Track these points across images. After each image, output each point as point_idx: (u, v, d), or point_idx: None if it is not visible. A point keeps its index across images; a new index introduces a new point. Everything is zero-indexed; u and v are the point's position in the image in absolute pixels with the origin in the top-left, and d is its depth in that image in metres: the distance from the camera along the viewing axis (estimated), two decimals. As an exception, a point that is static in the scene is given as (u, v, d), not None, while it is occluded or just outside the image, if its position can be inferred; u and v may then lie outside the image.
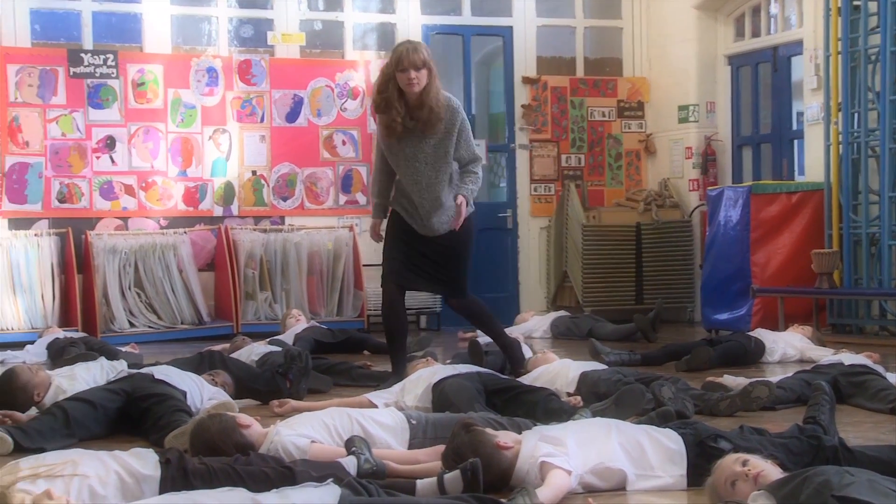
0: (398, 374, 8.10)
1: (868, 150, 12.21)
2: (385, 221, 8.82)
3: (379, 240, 8.92)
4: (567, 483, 4.80)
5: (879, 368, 7.97)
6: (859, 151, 12.29)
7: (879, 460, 4.90)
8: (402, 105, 8.19)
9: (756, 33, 14.70)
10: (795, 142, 14.11)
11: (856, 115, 12.29)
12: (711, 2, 14.77)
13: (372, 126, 14.50)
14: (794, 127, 14.12)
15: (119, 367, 7.84)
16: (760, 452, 4.68)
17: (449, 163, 8.44)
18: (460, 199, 8.42)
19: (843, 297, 12.42)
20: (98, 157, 13.57)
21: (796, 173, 14.06)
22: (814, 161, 13.24)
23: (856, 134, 12.29)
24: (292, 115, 14.36)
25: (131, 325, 13.03)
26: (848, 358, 8.29)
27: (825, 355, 8.97)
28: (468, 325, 12.49)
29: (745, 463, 4.42)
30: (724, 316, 12.66)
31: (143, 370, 7.38)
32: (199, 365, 8.04)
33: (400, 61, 8.07)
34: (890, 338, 11.85)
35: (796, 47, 13.65)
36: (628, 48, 15.75)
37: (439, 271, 8.66)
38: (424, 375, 7.16)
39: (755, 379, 7.61)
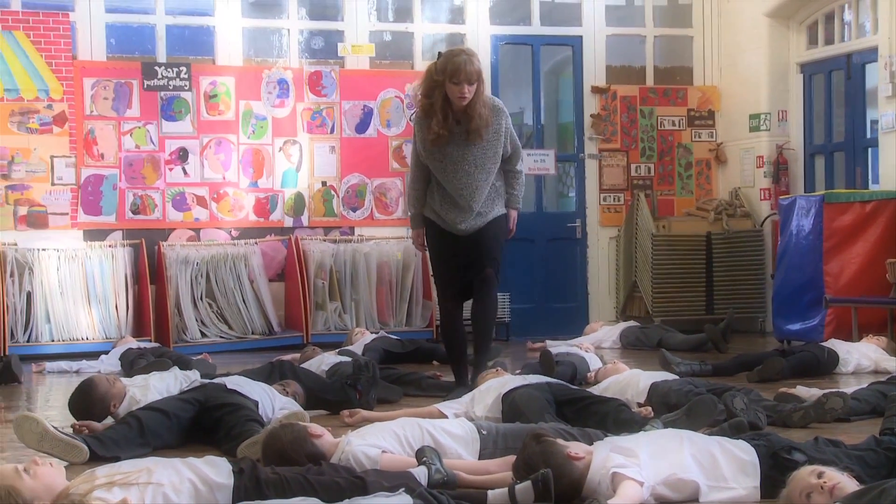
0: (463, 384, 8.23)
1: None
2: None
3: (423, 249, 9.01)
4: (639, 494, 4.77)
5: None
6: (935, 159, 12.18)
7: None
8: (445, 113, 8.15)
9: (829, 41, 14.55)
10: (870, 150, 13.94)
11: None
12: (783, 9, 14.68)
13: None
14: (869, 135, 13.95)
15: (192, 377, 7.89)
16: (836, 464, 4.65)
17: (497, 164, 8.46)
18: (514, 214, 8.73)
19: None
20: (171, 169, 13.66)
21: (870, 182, 13.91)
22: (889, 169, 13.12)
23: (932, 141, 12.17)
24: (362, 126, 14.39)
25: (203, 335, 13.09)
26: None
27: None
28: (537, 336, 12.50)
29: (820, 475, 4.38)
30: (796, 326, 12.54)
31: (216, 380, 7.42)
32: (270, 375, 8.08)
33: (456, 73, 7.98)
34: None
35: (871, 54, 13.50)
36: (699, 57, 15.66)
37: (474, 259, 8.57)
38: (494, 386, 7.14)
39: (829, 390, 7.56)
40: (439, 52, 8.43)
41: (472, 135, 8.19)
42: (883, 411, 7.15)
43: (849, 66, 14.17)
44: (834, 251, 12.37)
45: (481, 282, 8.52)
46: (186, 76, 13.73)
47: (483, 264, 8.50)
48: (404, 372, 9.35)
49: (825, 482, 4.31)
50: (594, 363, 9.28)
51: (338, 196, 14.29)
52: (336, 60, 14.48)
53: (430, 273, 13.64)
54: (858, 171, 14.07)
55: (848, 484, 4.32)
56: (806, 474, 4.44)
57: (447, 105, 8.13)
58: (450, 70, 7.99)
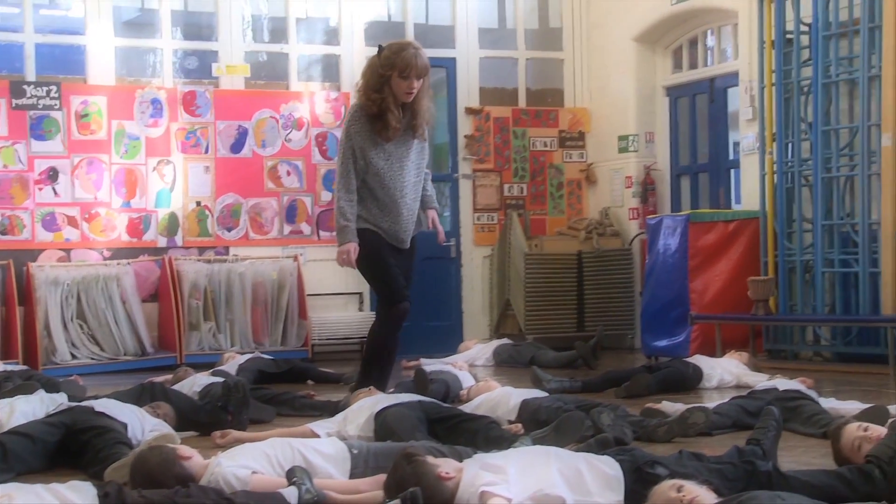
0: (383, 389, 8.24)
1: (801, 180, 12.34)
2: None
3: (353, 265, 8.46)
4: None
5: (812, 394, 8.05)
6: (793, 181, 12.43)
7: (811, 485, 4.94)
8: (398, 108, 7.93)
9: (693, 65, 14.85)
10: (732, 171, 14.22)
11: (789, 145, 12.45)
12: (650, 34, 14.89)
13: (317, 157, 14.51)
14: (731, 157, 14.24)
15: (59, 400, 7.72)
16: (696, 478, 4.69)
17: (425, 166, 8.47)
18: (433, 213, 8.69)
19: (779, 323, 12.55)
20: (41, 189, 13.41)
21: (733, 202, 14.18)
22: (750, 190, 13.38)
23: (789, 163, 12.44)
24: (237, 146, 14.30)
25: (73, 356, 12.85)
26: (782, 383, 8.38)
27: (760, 381, 9.05)
28: (412, 354, 12.51)
29: (679, 489, 4.43)
30: (663, 342, 12.71)
31: (84, 403, 7.30)
32: (141, 397, 7.95)
33: (407, 69, 7.77)
34: (823, 363, 12.01)
35: (732, 79, 13.76)
36: (569, 79, 15.82)
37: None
38: (367, 405, 7.13)
39: (692, 405, 7.68)
40: (380, 46, 8.18)
41: (417, 130, 8.14)
42: (743, 426, 7.34)
43: (712, 89, 14.45)
44: (699, 269, 12.59)
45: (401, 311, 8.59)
46: (56, 95, 13.51)
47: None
48: (278, 392, 9.23)
49: (683, 496, 4.36)
50: (467, 381, 9.29)
51: (212, 216, 14.18)
52: (210, 80, 14.39)
53: (307, 293, 13.79)
54: (721, 192, 14.34)
55: (706, 497, 4.37)
56: (666, 488, 4.49)
57: (396, 100, 7.92)
58: (399, 64, 7.79)
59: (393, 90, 7.82)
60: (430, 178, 8.76)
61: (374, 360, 8.64)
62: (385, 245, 8.37)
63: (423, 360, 10.71)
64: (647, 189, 14.83)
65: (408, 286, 8.62)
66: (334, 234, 8.53)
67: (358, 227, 8.22)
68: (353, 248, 8.23)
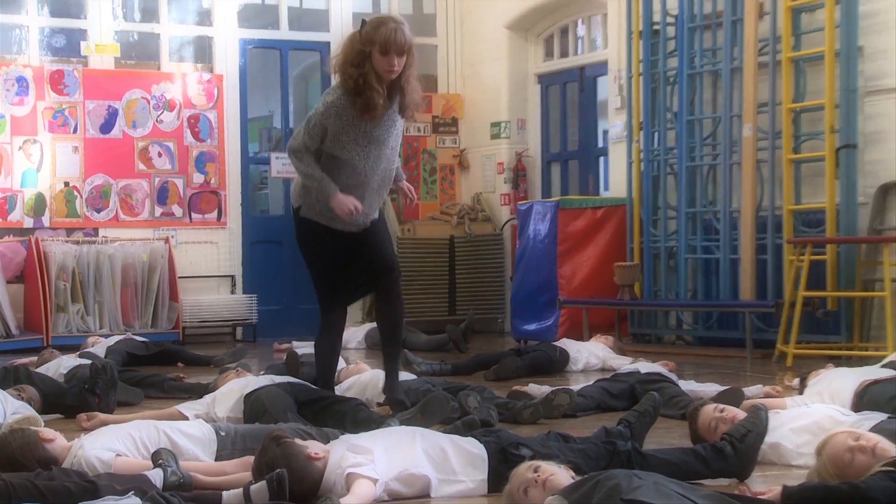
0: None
1: (667, 168, 12.61)
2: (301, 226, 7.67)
3: (358, 210, 7.22)
4: (372, 492, 4.84)
5: (673, 376, 8.14)
6: (659, 169, 12.69)
7: (669, 462, 5.06)
8: (381, 85, 7.07)
9: (564, 54, 15.02)
10: (601, 159, 14.43)
11: (656, 134, 12.70)
12: (522, 22, 15.01)
13: (189, 139, 14.45)
14: (600, 144, 14.44)
15: (-83, 382, 7.64)
16: (557, 458, 4.80)
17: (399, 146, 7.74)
18: (405, 183, 7.99)
19: (643, 308, 12.81)
20: None
21: (602, 189, 14.38)
22: (617, 178, 13.60)
23: (656, 152, 12.70)
24: (107, 127, 14.20)
25: (-64, 334, 12.79)
26: (645, 367, 8.47)
27: (624, 364, 9.18)
28: (284, 337, 12.54)
29: (536, 469, 4.50)
30: (532, 326, 12.88)
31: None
32: (4, 379, 7.89)
33: (386, 45, 6.94)
34: (685, 347, 12.28)
35: (602, 68, 13.97)
36: (443, 65, 15.92)
37: (369, 258, 7.59)
38: (236, 387, 7.11)
39: (557, 388, 7.73)
40: (363, 20, 7.32)
41: (406, 111, 7.41)
42: (607, 407, 7.48)
43: (582, 78, 14.62)
44: (567, 255, 12.78)
45: (391, 282, 7.75)
46: (-85, 74, 13.41)
47: (385, 263, 7.68)
48: (147, 374, 9.17)
49: (539, 475, 4.43)
50: (339, 364, 9.35)
51: (81, 197, 14.06)
52: (79, 59, 14.26)
53: (178, 275, 13.75)
54: (591, 179, 14.54)
55: (562, 477, 4.45)
56: (524, 469, 4.55)
57: (379, 77, 7.06)
58: (378, 40, 6.97)
59: (375, 67, 7.01)
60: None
61: (323, 359, 7.79)
62: (333, 237, 7.45)
63: (295, 343, 10.74)
64: (518, 175, 14.97)
65: (385, 261, 7.69)
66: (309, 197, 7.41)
67: (305, 216, 7.51)
68: (339, 196, 7.19)
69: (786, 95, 11.40)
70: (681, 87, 12.38)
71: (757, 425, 5.28)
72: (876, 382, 6.66)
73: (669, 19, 12.57)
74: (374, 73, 7.00)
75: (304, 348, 10.04)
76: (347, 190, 7.21)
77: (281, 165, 15.10)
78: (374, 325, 12.91)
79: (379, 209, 7.73)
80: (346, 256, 7.52)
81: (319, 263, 7.61)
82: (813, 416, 5.91)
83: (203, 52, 14.97)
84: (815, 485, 4.79)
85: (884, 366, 7.50)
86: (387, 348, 7.82)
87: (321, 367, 7.72)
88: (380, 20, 7.21)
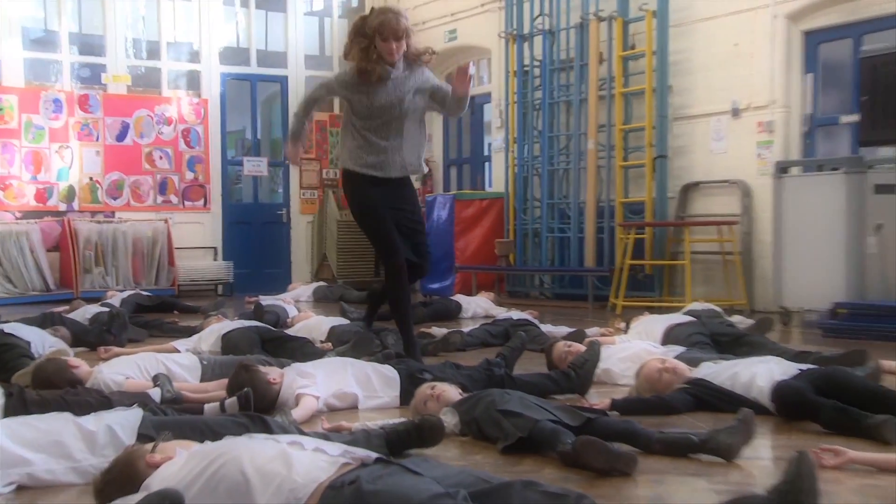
0: (412, 351, 6.43)
1: (533, 171, 12.69)
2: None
3: (298, 162, 6.73)
4: (314, 405, 4.85)
5: (536, 321, 8.25)
6: (528, 171, 12.74)
7: (531, 383, 5.11)
8: (382, 65, 6.21)
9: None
10: (486, 163, 14.47)
11: (525, 146, 12.73)
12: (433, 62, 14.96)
13: (182, 146, 14.35)
14: (486, 153, 14.47)
15: (-28, 324, 7.57)
16: (450, 381, 4.83)
17: (431, 87, 6.52)
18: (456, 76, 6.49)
19: (516, 272, 12.90)
20: (-36, 164, 13.14)
21: (486, 185, 14.42)
22: (498, 177, 13.65)
23: (525, 159, 12.74)
24: (121, 136, 14.01)
25: (-8, 289, 12.67)
26: (516, 314, 8.57)
27: (501, 312, 9.23)
28: (253, 293, 12.46)
29: (433, 388, 4.56)
30: (435, 285, 12.87)
31: (-5, 326, 7.15)
32: (44, 322, 7.82)
33: (382, 29, 6.19)
34: (545, 300, 12.33)
35: (487, 98, 14.01)
36: (370, 93, 15.82)
37: (407, 239, 6.57)
38: (216, 329, 7.08)
39: (452, 329, 7.86)
40: (373, 8, 6.63)
41: (416, 58, 6.36)
42: (489, 344, 7.51)
43: (472, 105, 14.46)
44: (461, 234, 12.85)
45: (420, 271, 6.73)
46: (-23, 95, 13.21)
47: (421, 254, 6.64)
48: (150, 319, 9.15)
49: (435, 392, 4.49)
50: (292, 312, 9.29)
51: (102, 188, 13.90)
52: (100, 86, 14.06)
53: (175, 247, 13.64)
54: (479, 178, 14.59)
55: (453, 394, 4.50)
56: (425, 388, 4.62)
57: (383, 59, 6.23)
58: (379, 28, 6.21)
59: (378, 52, 6.22)
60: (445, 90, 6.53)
61: (396, 318, 6.71)
62: (375, 193, 6.40)
63: (261, 297, 10.69)
64: (426, 175, 14.95)
65: (420, 249, 6.66)
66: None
67: (347, 167, 6.46)
68: (294, 150, 6.77)
69: (618, 119, 11.52)
70: (544, 113, 12.46)
71: (593, 356, 5.36)
72: (678, 325, 6.78)
73: (536, 63, 12.65)
74: (379, 56, 6.19)
75: (267, 300, 10.02)
76: (386, 142, 6.36)
77: (251, 166, 15.05)
78: (320, 283, 12.98)
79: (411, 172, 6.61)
80: (393, 211, 6.42)
81: (370, 213, 6.45)
82: (634, 349, 6.03)
83: (193, 82, 14.80)
84: (634, 398, 4.90)
85: (684, 313, 7.63)
86: (394, 316, 6.74)
87: (397, 315, 6.63)
88: (381, 9, 6.43)
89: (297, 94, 15.23)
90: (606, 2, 11.71)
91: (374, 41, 6.24)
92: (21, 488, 3.53)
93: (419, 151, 6.64)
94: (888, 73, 8.80)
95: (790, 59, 10.37)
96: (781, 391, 4.51)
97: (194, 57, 14.85)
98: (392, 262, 6.49)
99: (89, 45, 14.30)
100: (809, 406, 4.36)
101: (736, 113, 10.69)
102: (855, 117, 9.55)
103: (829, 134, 10.36)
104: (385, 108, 6.34)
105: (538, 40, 12.55)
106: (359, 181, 6.46)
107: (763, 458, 3.91)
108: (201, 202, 14.60)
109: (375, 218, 6.47)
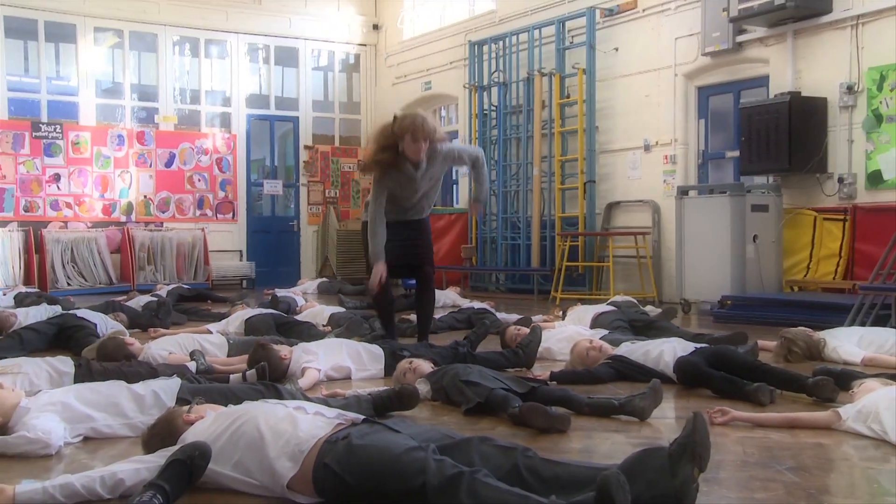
0: (392, 337, 6.01)
1: (491, 192, 12.56)
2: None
3: (378, 287, 5.79)
4: (316, 376, 4.82)
5: (493, 310, 8.19)
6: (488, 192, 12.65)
7: (488, 360, 5.08)
8: (407, 163, 5.60)
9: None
10: (454, 185, 14.41)
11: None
12: (409, 107, 14.86)
13: (216, 171, 14.26)
14: (454, 178, 14.40)
15: (56, 309, 7.54)
16: (424, 357, 4.80)
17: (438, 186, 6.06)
18: (477, 206, 6.44)
19: (477, 271, 12.82)
20: (49, 185, 12.93)
21: (455, 203, 14.38)
22: (463, 196, 13.62)
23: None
24: (169, 163, 13.90)
25: (68, 284, 12.48)
26: (477, 304, 8.55)
27: (465, 303, 9.22)
28: (270, 286, 12.39)
29: (410, 362, 4.54)
30: (413, 281, 12.61)
31: (70, 311, 7.11)
32: (106, 308, 7.80)
33: (416, 131, 5.48)
34: (500, 293, 12.27)
35: (455, 135, 13.88)
36: (364, 131, 15.71)
37: (412, 256, 6.02)
38: (240, 315, 7.05)
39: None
40: (395, 116, 5.76)
41: (432, 161, 5.72)
42: (455, 328, 7.46)
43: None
44: (434, 240, 11.98)
45: (426, 274, 6.19)
46: (60, 132, 13.00)
47: (422, 259, 6.13)
48: (189, 306, 9.11)
49: (411, 366, 4.47)
50: (300, 302, 9.24)
51: (153, 204, 13.77)
52: (153, 125, 13.92)
53: (210, 250, 13.49)
54: (449, 197, 14.53)
55: (426, 367, 4.48)
56: (404, 363, 4.59)
57: (398, 156, 5.60)
58: (411, 128, 5.51)
59: (406, 151, 5.55)
60: (483, 170, 6.03)
61: (380, 318, 6.23)
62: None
63: (276, 290, 10.62)
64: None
65: (420, 258, 6.08)
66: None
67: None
68: (379, 266, 5.73)
69: (557, 152, 11.52)
70: (499, 146, 12.45)
71: (535, 338, 5.33)
72: (603, 313, 6.78)
73: (493, 108, 12.64)
74: (404, 155, 5.57)
75: (282, 292, 9.97)
76: (402, 207, 5.83)
77: (270, 187, 15.01)
78: (323, 279, 12.90)
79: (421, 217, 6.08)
80: (400, 242, 5.87)
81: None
82: (568, 332, 6.02)
83: (225, 121, 14.69)
84: (569, 371, 4.87)
85: (608, 304, 7.61)
86: (421, 319, 6.18)
87: (382, 318, 6.17)
88: (411, 115, 5.67)
89: (306, 131, 15.23)
90: (547, 61, 11.72)
91: (399, 143, 5.54)
92: (87, 439, 3.54)
93: (431, 203, 6.05)
94: (760, 120, 8.84)
95: (687, 108, 10.40)
96: (681, 365, 4.51)
97: (226, 102, 14.74)
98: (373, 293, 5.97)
99: (146, 93, 14.18)
100: (703, 376, 4.38)
101: (647, 148, 10.71)
102: (736, 153, 9.59)
103: (717, 165, 10.39)
104: (406, 197, 5.81)
105: (495, 90, 12.53)
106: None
107: (668, 418, 3.91)
108: (230, 215, 14.49)
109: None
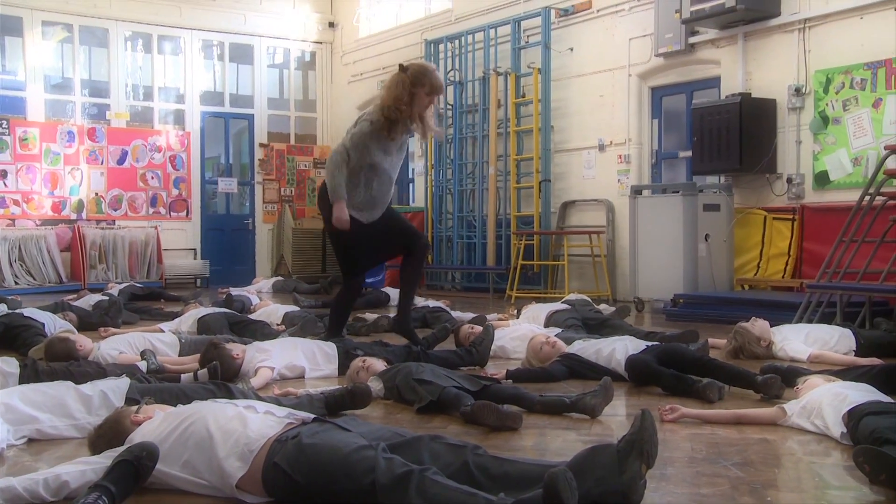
0: (339, 335, 5.82)
1: (447, 190, 12.61)
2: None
3: (347, 225, 5.49)
4: (269, 375, 4.79)
5: (448, 309, 8.18)
6: (443, 191, 12.67)
7: (442, 358, 5.09)
8: (411, 118, 5.51)
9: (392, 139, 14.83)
10: (410, 184, 14.38)
11: (441, 171, 12.66)
12: (364, 106, 14.86)
13: (170, 169, 14.12)
14: (410, 176, 14.37)
15: (1, 308, 7.39)
16: (377, 355, 4.81)
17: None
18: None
19: (434, 269, 12.80)
20: (-3, 182, 12.79)
21: (411, 201, 14.35)
22: (419, 195, 13.56)
23: (441, 181, 12.66)
24: (121, 161, 13.72)
25: (16, 283, 12.26)
26: (432, 303, 8.52)
27: (420, 301, 9.17)
28: (225, 285, 12.29)
29: (364, 361, 4.54)
30: (370, 279, 12.43)
31: (17, 311, 6.96)
32: (56, 308, 7.67)
33: (436, 89, 5.41)
34: (457, 292, 12.28)
35: (411, 133, 13.87)
36: (320, 129, 15.74)
37: (398, 236, 5.82)
38: (194, 314, 6.98)
39: (381, 314, 7.79)
40: (401, 65, 5.59)
41: (426, 136, 5.79)
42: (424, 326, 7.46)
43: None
44: None
45: (422, 245, 5.88)
46: (6, 127, 12.79)
47: (415, 232, 5.91)
48: (142, 305, 8.98)
49: (364, 364, 4.46)
50: (255, 301, 9.15)
51: (105, 202, 13.59)
52: (105, 121, 13.74)
53: (163, 248, 13.40)
54: (405, 195, 14.48)
55: (379, 366, 4.48)
56: (357, 361, 4.59)
57: (413, 111, 5.48)
58: (428, 83, 5.38)
59: (414, 103, 5.41)
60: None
61: (334, 315, 5.95)
62: (363, 228, 5.64)
63: (230, 289, 10.54)
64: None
65: (411, 232, 5.87)
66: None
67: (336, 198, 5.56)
68: (340, 206, 5.48)
69: (512, 151, 11.57)
70: (455, 145, 12.46)
71: (488, 336, 5.34)
72: (558, 311, 6.81)
73: (449, 107, 12.62)
74: (411, 108, 5.42)
75: (236, 291, 9.88)
76: (381, 187, 5.59)
77: (224, 185, 14.90)
78: (278, 278, 12.81)
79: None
80: (376, 236, 5.68)
81: (350, 243, 5.66)
82: (523, 330, 6.01)
83: (179, 118, 14.54)
84: (524, 369, 4.89)
85: (563, 302, 7.65)
86: (405, 291, 5.97)
87: (337, 316, 5.90)
88: (426, 67, 5.52)
89: (261, 129, 15.12)
90: (503, 60, 11.76)
91: (414, 91, 5.35)
92: (31, 441, 3.48)
93: (392, 189, 5.78)
94: (712, 121, 8.96)
95: (641, 108, 10.50)
96: (632, 363, 4.56)
97: (180, 99, 14.60)
98: (347, 280, 5.86)
99: (97, 88, 14.01)
100: (653, 374, 4.42)
101: (602, 148, 10.80)
102: (689, 153, 9.71)
103: (670, 165, 10.50)
104: (389, 169, 5.62)
105: (451, 89, 12.52)
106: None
107: (619, 415, 3.94)
108: (184, 213, 14.34)
109: (347, 246, 5.69)
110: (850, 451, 2.93)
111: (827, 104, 8.55)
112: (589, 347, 4.89)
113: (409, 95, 5.42)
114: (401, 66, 5.59)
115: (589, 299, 8.21)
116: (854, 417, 3.22)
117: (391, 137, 5.55)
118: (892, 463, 2.67)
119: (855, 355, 5.28)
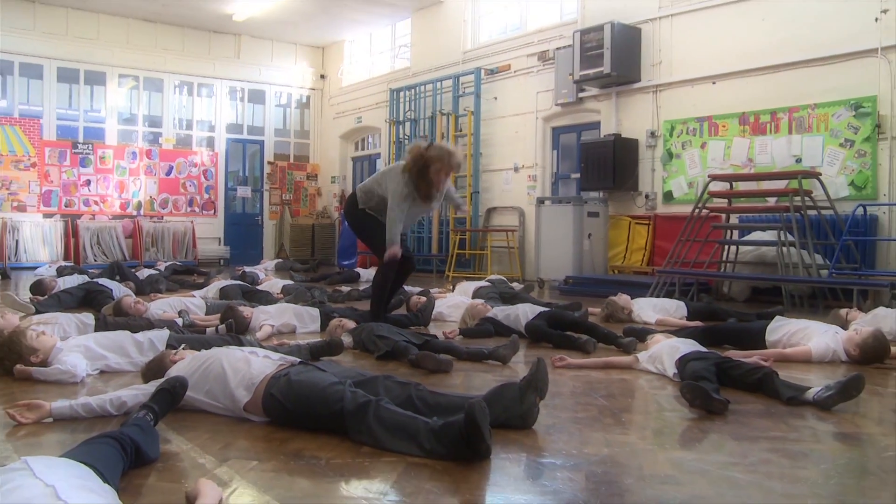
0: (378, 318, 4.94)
1: (406, 199, 12.47)
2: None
3: (398, 258, 4.88)
4: (269, 330, 4.63)
5: (404, 286, 7.87)
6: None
7: (396, 320, 4.93)
8: (427, 187, 4.73)
9: (364, 148, 14.62)
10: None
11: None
12: (346, 136, 14.69)
13: (203, 179, 13.78)
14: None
15: (84, 278, 7.23)
16: (349, 317, 4.73)
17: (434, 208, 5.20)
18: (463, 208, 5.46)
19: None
20: (83, 188, 12.46)
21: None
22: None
23: (402, 192, 12.50)
24: (168, 173, 13.42)
25: (95, 259, 12.01)
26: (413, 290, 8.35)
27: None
28: (240, 265, 11.97)
29: (340, 321, 4.48)
30: (346, 262, 12.67)
31: (92, 280, 6.82)
32: (112, 269, 7.82)
33: (455, 167, 4.72)
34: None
35: (378, 156, 13.72)
36: (312, 153, 15.41)
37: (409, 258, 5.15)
38: (217, 284, 6.76)
39: (353, 287, 7.62)
40: (431, 141, 4.85)
41: (433, 201, 4.87)
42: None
43: (370, 159, 14.30)
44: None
45: (411, 262, 5.24)
46: (91, 149, 12.50)
47: (408, 253, 5.13)
48: (180, 278, 8.64)
49: (340, 323, 4.37)
50: (262, 276, 8.82)
51: (156, 203, 13.26)
52: (158, 145, 13.40)
53: (198, 237, 13.07)
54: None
55: (350, 324, 4.38)
56: (335, 320, 4.54)
57: (427, 183, 4.72)
58: (446, 161, 4.66)
59: (429, 175, 4.69)
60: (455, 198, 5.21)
61: (381, 296, 5.10)
62: (374, 224, 4.99)
63: (245, 267, 10.34)
64: (341, 198, 14.64)
65: (410, 253, 5.24)
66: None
67: (367, 210, 4.97)
68: (395, 248, 4.80)
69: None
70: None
71: (430, 304, 5.32)
72: (482, 287, 6.78)
73: (406, 137, 12.38)
74: (426, 180, 4.70)
75: (248, 269, 9.63)
76: (408, 220, 4.89)
77: (241, 192, 14.60)
78: (280, 259, 12.57)
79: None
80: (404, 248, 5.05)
81: (377, 232, 4.87)
82: (456, 300, 5.98)
83: (211, 143, 14.18)
84: (473, 328, 4.76)
85: (486, 280, 7.63)
86: (395, 287, 5.28)
87: (377, 295, 5.05)
88: (447, 151, 4.71)
89: (269, 151, 14.86)
90: (446, 104, 11.69)
91: (429, 167, 4.64)
92: (102, 372, 3.48)
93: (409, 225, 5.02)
94: (594, 152, 9.03)
95: (545, 142, 10.55)
96: (529, 327, 4.57)
97: (211, 128, 14.23)
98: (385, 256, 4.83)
99: (154, 121, 13.61)
100: (545, 334, 4.43)
101: (516, 169, 10.81)
102: (578, 175, 9.78)
103: (565, 183, 10.56)
104: (410, 216, 4.90)
105: (408, 124, 12.41)
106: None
107: (521, 362, 3.95)
108: (212, 212, 14.05)
109: (371, 236, 4.96)
110: (679, 386, 2.99)
111: (672, 144, 8.69)
112: (500, 312, 4.89)
113: (422, 165, 4.66)
114: (431, 142, 4.79)
115: (505, 279, 8.19)
116: (683, 363, 3.28)
117: (423, 202, 4.81)
118: (703, 393, 2.75)
119: (686, 320, 5.38)
